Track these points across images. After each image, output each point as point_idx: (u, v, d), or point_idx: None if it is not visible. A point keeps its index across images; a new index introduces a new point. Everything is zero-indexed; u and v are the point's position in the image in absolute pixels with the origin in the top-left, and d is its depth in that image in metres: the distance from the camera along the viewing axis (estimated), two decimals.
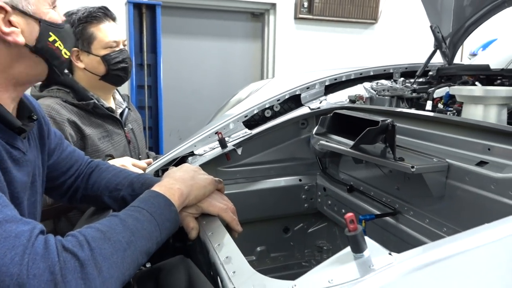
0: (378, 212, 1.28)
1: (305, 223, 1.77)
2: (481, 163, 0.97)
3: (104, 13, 1.64)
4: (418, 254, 0.59)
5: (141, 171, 1.38)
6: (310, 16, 4.56)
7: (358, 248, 0.62)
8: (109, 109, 1.71)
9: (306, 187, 1.67)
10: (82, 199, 1.14)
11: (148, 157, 1.91)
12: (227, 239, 0.85)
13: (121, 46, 1.68)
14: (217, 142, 1.58)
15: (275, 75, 4.54)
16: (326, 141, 1.24)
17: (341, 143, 1.15)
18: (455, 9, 2.10)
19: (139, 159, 1.84)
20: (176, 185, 0.89)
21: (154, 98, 3.28)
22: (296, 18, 4.57)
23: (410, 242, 1.16)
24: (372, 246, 0.63)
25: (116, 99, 1.85)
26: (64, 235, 0.69)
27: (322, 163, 1.68)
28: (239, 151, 1.52)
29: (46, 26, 0.81)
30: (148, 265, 1.09)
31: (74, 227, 1.15)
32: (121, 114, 1.82)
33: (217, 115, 2.02)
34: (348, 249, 0.64)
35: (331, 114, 1.22)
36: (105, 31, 1.63)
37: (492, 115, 1.21)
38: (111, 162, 1.38)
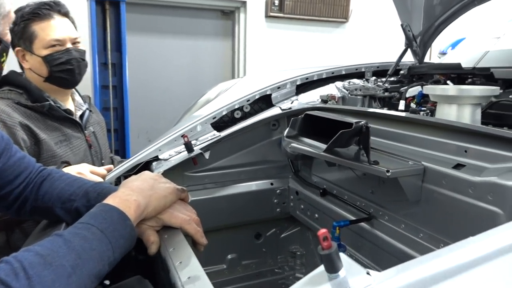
0: (352, 217, 1.23)
1: (278, 228, 1.71)
2: (458, 166, 0.93)
3: (49, 9, 1.50)
4: (399, 273, 0.52)
5: (100, 179, 1.28)
6: (281, 15, 4.51)
7: (332, 268, 0.56)
8: (67, 111, 1.59)
9: (278, 191, 1.61)
10: (32, 211, 1.03)
11: (112, 162, 1.80)
12: (190, 256, 0.77)
13: (68, 45, 1.54)
14: (183, 146, 1.49)
15: (246, 74, 4.47)
16: (298, 144, 1.17)
17: (313, 146, 1.08)
18: (425, 8, 2.09)
19: (102, 164, 1.73)
20: (132, 196, 0.81)
21: (120, 99, 3.13)
22: (267, 16, 4.51)
23: (385, 248, 1.11)
24: (348, 265, 0.56)
25: (75, 101, 1.73)
26: (19, 249, 0.62)
27: (294, 166, 1.62)
28: (207, 155, 1.44)
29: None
30: (107, 282, 1.00)
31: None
32: (81, 116, 1.70)
33: (184, 116, 1.93)
34: (321, 268, 0.57)
35: (302, 116, 1.16)
36: (47, 29, 1.49)
37: (466, 115, 1.17)
38: (67, 169, 1.27)
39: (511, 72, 1.36)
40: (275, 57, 4.58)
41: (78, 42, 1.59)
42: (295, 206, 1.59)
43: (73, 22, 1.61)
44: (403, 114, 1.23)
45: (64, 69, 1.52)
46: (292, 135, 1.15)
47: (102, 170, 1.35)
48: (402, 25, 2.02)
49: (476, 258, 0.52)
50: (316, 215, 1.44)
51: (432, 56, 3.95)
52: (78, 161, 1.51)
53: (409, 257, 1.02)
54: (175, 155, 1.48)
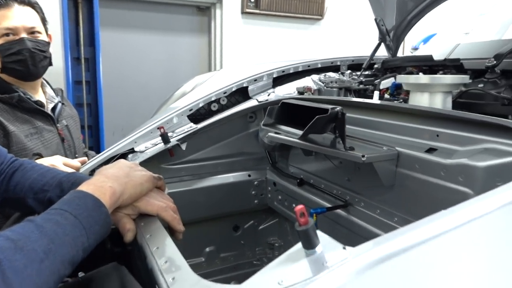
0: (330, 205, 1.25)
1: (256, 220, 1.71)
2: (430, 150, 0.95)
3: None
4: (374, 247, 0.53)
5: (73, 171, 1.25)
6: (257, 11, 4.52)
7: (309, 244, 0.56)
8: (38, 103, 1.54)
9: (255, 183, 1.61)
10: (3, 203, 1.00)
11: (87, 157, 1.76)
12: (167, 241, 0.76)
13: (22, 35, 1.48)
14: (160, 138, 1.48)
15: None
16: (275, 133, 1.18)
17: (290, 133, 1.09)
18: (398, 2, 2.13)
19: (76, 158, 1.69)
20: (107, 183, 0.79)
21: (94, 95, 3.06)
22: (243, 12, 4.51)
23: (361, 234, 1.13)
24: (324, 241, 0.57)
25: (47, 93, 1.68)
26: None
27: (271, 157, 1.63)
28: (184, 146, 1.43)
29: None
30: (81, 274, 0.98)
31: None
32: (53, 109, 1.66)
33: (160, 109, 1.91)
34: (299, 245, 0.58)
35: (279, 104, 1.16)
36: (2, 18, 1.44)
37: (437, 102, 1.21)
38: (39, 161, 1.24)
39: (480, 63, 1.40)
40: (251, 54, 4.58)
41: (38, 32, 1.52)
42: (273, 197, 1.60)
43: (39, 12, 1.55)
44: (377, 101, 1.25)
45: (15, 60, 1.46)
46: (269, 123, 1.16)
47: (76, 162, 1.32)
48: (375, 20, 2.06)
49: (445, 230, 0.54)
50: (294, 205, 1.45)
51: (405, 52, 4.04)
52: (50, 155, 1.46)
53: None
54: (151, 147, 1.46)
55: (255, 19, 4.57)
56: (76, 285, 0.71)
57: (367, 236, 1.10)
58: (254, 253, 1.73)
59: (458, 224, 0.55)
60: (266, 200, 1.63)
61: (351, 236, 1.15)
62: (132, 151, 1.45)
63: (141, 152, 1.44)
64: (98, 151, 3.26)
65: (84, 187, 0.77)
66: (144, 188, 0.88)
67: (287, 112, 1.17)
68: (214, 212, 1.58)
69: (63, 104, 1.73)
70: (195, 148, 1.55)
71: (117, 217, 0.85)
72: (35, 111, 1.52)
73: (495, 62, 1.34)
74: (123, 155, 1.45)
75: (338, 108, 0.96)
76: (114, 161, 1.41)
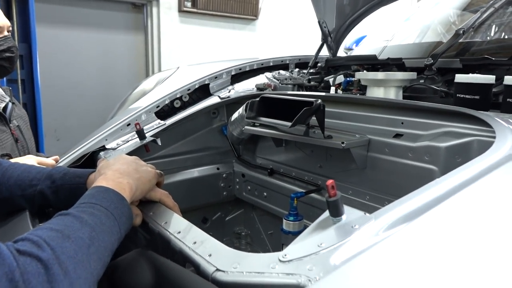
0: (302, 190, 1.36)
1: (223, 212, 1.78)
2: (397, 136, 1.11)
3: None
4: (392, 209, 0.65)
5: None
6: (195, 10, 4.53)
7: (337, 212, 0.66)
8: None
9: (224, 175, 1.68)
10: None
11: None
12: (188, 225, 0.81)
13: (5, 33, 1.46)
14: (131, 135, 1.49)
15: (161, 69, 4.39)
16: (258, 125, 1.27)
17: (276, 125, 1.19)
18: (337, 7, 2.32)
19: None
20: (124, 179, 0.82)
21: (30, 94, 2.86)
22: (180, 11, 4.49)
23: None
24: (347, 210, 0.68)
25: None
26: None
27: (236, 151, 1.71)
28: (159, 141, 1.46)
29: None
30: None
31: None
32: (4, 109, 1.57)
33: (120, 108, 1.89)
34: (326, 214, 0.68)
35: (259, 99, 1.25)
36: None
37: (391, 96, 1.38)
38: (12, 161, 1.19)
39: (419, 62, 1.61)
40: (189, 52, 4.58)
41: (10, 31, 1.49)
42: (241, 188, 1.68)
43: None
44: (352, 96, 1.40)
45: (4, 57, 1.43)
46: (251, 116, 1.24)
47: (50, 161, 1.29)
48: (319, 22, 2.23)
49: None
50: (265, 194, 1.55)
51: (339, 52, 4.33)
52: None
53: None
54: (123, 144, 1.46)
55: (192, 18, 4.58)
56: (109, 272, 0.73)
57: None
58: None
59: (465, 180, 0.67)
60: (234, 191, 1.71)
61: None
62: (103, 148, 1.44)
63: (113, 149, 1.44)
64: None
65: (103, 182, 0.79)
66: (152, 184, 0.92)
67: (264, 107, 1.26)
68: (184, 206, 1.60)
69: (13, 103, 1.65)
70: (164, 144, 1.58)
71: None
72: None
73: (432, 61, 1.55)
74: (94, 153, 1.44)
75: (319, 100, 1.08)
76: (86, 159, 1.40)
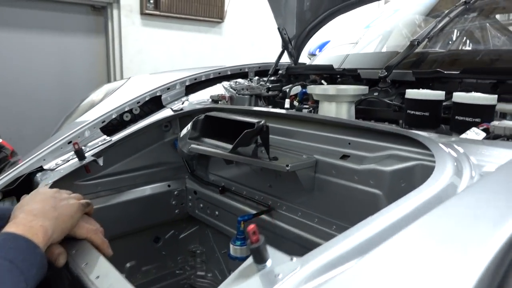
0: (253, 211, 1.31)
1: (176, 230, 1.71)
2: (344, 157, 1.07)
3: None
4: (320, 254, 0.60)
5: None
6: (157, 12, 4.41)
7: (261, 259, 0.61)
8: None
9: (175, 192, 1.61)
10: None
11: None
12: (109, 269, 0.74)
13: None
14: (71, 153, 1.39)
15: (123, 74, 4.25)
16: (198, 145, 1.20)
17: (218, 147, 1.12)
18: (297, 13, 2.28)
19: None
20: (37, 221, 0.74)
21: None
22: (142, 13, 4.36)
23: (285, 236, 1.21)
24: (273, 254, 0.62)
25: None
26: None
27: (190, 166, 1.64)
28: (100, 161, 1.37)
29: None
30: None
31: None
32: None
33: (66, 122, 1.78)
34: (249, 261, 0.62)
35: (203, 117, 1.19)
36: None
37: (344, 111, 1.35)
38: None
39: (374, 73, 1.59)
40: (153, 56, 4.46)
41: None
42: (194, 206, 1.61)
43: None
44: (297, 113, 1.35)
45: None
46: (194, 137, 1.17)
47: None
48: (279, 29, 2.18)
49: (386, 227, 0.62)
50: (217, 212, 1.49)
51: (303, 57, 4.32)
52: None
53: (308, 241, 1.14)
54: (62, 164, 1.37)
55: (155, 21, 4.46)
56: None
57: (291, 237, 1.19)
58: (176, 263, 1.73)
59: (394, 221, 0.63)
60: (186, 209, 1.64)
61: (276, 239, 1.23)
62: (41, 169, 1.35)
63: (52, 170, 1.34)
64: None
65: (12, 228, 0.71)
66: (75, 220, 0.84)
67: (210, 124, 1.20)
68: (134, 226, 1.54)
69: None
70: (111, 161, 1.49)
71: None
72: None
73: (386, 73, 1.53)
74: (30, 174, 1.34)
75: (263, 121, 1.02)
76: (22, 181, 1.30)
